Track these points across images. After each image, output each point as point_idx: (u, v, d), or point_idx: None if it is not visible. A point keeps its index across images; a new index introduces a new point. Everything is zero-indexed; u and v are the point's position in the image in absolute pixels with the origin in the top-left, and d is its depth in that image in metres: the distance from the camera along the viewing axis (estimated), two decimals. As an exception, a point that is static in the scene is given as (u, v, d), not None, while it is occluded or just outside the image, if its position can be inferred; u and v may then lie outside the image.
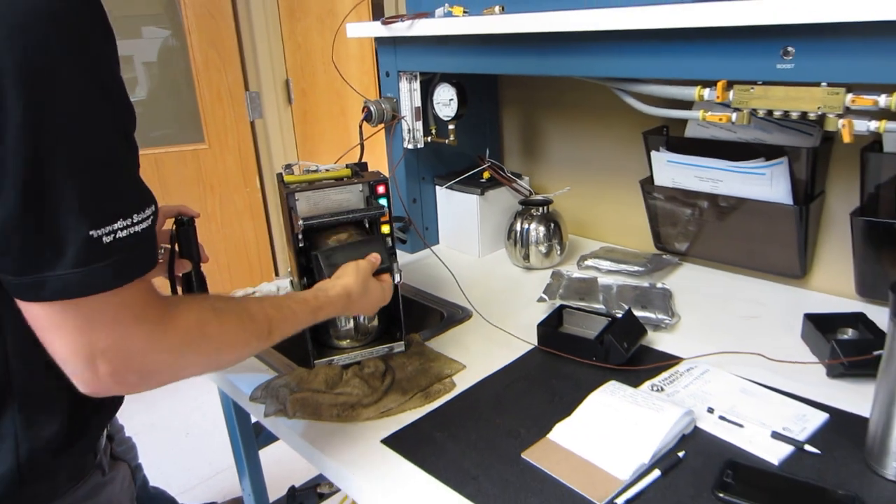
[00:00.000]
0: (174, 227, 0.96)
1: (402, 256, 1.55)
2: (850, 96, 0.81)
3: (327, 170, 1.08)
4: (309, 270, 0.99)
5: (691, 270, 1.37)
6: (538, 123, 1.61)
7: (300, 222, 0.96)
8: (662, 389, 0.93)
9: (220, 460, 2.11)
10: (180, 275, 0.97)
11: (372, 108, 1.42)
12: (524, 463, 0.80)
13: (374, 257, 0.95)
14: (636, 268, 1.33)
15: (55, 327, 0.56)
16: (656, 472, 0.76)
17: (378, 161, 1.40)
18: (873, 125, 0.82)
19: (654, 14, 0.89)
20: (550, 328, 1.09)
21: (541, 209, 1.41)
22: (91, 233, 0.54)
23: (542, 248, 1.40)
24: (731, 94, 0.91)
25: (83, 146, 0.54)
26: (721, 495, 0.72)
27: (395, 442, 0.87)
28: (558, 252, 1.42)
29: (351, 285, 0.89)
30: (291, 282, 1.32)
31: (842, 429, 0.82)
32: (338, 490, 1.71)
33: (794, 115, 0.87)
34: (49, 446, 0.68)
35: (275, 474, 1.53)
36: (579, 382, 0.96)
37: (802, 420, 0.84)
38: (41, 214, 0.53)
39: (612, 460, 0.78)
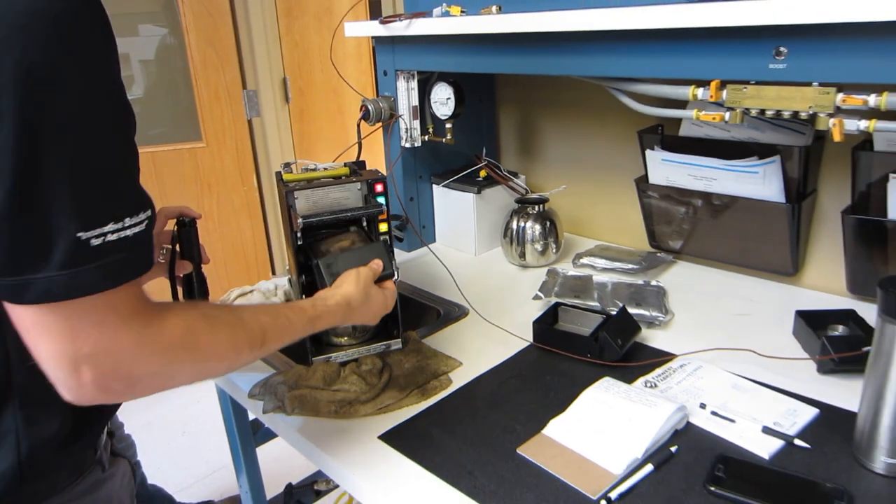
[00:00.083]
0: (176, 227, 0.96)
1: (400, 254, 1.56)
2: (840, 96, 0.82)
3: (326, 168, 1.08)
4: (307, 268, 0.99)
5: (685, 268, 1.38)
6: (534, 122, 1.62)
7: (299, 220, 0.97)
8: (656, 385, 0.94)
9: (217, 458, 2.11)
10: (181, 276, 0.97)
11: (370, 107, 1.43)
12: (519, 458, 0.81)
13: (377, 264, 0.93)
14: (631, 266, 1.34)
15: (39, 330, 0.55)
16: (649, 467, 0.77)
17: (375, 160, 1.41)
18: (863, 124, 0.83)
19: (650, 14, 0.91)
20: (546, 325, 1.10)
21: (537, 207, 1.42)
22: (79, 235, 0.53)
23: (538, 247, 1.41)
24: (724, 93, 0.92)
25: (81, 147, 0.53)
26: (712, 489, 0.73)
27: (393, 438, 0.88)
28: (554, 250, 1.43)
29: (351, 294, 0.87)
30: (290, 280, 1.33)
31: (831, 423, 0.84)
32: (335, 487, 1.72)
33: (786, 114, 0.88)
34: (50, 444, 0.68)
35: (272, 472, 1.53)
36: (574, 379, 0.97)
37: (793, 415, 0.85)
38: (31, 215, 0.52)
39: (606, 455, 0.79)
